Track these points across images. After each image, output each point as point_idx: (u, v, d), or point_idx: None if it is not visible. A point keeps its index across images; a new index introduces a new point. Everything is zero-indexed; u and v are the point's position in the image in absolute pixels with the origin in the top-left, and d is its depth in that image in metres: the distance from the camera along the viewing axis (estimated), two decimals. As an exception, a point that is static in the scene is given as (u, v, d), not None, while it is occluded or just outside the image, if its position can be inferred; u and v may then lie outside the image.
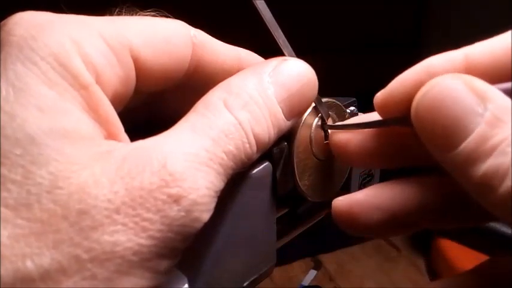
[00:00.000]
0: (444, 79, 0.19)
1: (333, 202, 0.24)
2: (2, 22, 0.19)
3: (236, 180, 0.21)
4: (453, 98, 0.19)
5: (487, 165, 0.18)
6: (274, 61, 0.23)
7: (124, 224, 0.17)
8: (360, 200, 0.24)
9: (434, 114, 0.19)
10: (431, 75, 0.20)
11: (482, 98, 0.19)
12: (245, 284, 0.24)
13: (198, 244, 0.19)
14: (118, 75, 0.20)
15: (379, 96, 0.23)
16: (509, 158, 0.17)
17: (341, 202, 0.24)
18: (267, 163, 0.24)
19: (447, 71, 0.20)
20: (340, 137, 0.25)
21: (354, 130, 0.25)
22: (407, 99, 0.21)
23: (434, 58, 0.22)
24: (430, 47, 1.43)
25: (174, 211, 0.17)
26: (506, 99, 0.19)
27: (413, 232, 0.25)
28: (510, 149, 0.18)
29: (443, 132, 0.19)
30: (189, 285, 0.20)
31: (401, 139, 0.23)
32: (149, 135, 0.19)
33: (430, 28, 1.45)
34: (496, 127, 0.18)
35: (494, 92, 0.19)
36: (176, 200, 0.17)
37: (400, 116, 0.22)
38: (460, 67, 0.21)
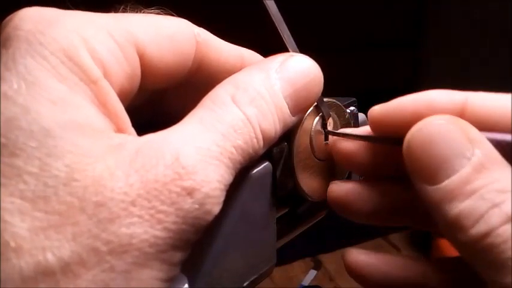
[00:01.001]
0: (441, 119, 0.21)
1: (329, 185, 0.26)
2: (8, 17, 0.19)
3: (236, 180, 0.21)
4: (445, 137, 0.20)
5: (463, 206, 0.19)
6: (281, 57, 0.24)
7: (140, 216, 0.17)
8: (354, 190, 0.25)
9: (425, 149, 0.20)
10: (430, 109, 0.22)
11: (473, 143, 0.20)
12: (245, 284, 0.24)
13: (198, 244, 0.19)
14: (125, 71, 0.21)
15: (375, 111, 0.24)
16: (487, 205, 0.18)
17: (337, 187, 0.26)
18: (267, 163, 0.24)
19: (446, 109, 0.22)
20: (342, 145, 0.26)
21: (353, 140, 0.26)
22: (401, 124, 0.22)
23: (436, 93, 0.23)
24: (430, 47, 1.43)
25: (188, 204, 0.18)
26: (494, 149, 0.20)
27: (407, 226, 0.26)
28: (489, 196, 0.19)
29: (430, 166, 0.20)
30: (189, 285, 0.20)
31: (398, 155, 0.24)
32: (151, 132, 0.19)
33: (430, 28, 1.45)
34: (480, 173, 0.19)
35: (484, 140, 0.20)
36: (190, 192, 0.18)
37: (395, 138, 0.23)
38: (458, 108, 0.22)
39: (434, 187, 0.20)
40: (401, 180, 0.24)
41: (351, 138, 0.26)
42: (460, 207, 0.19)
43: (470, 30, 1.28)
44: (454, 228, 0.19)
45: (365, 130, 0.26)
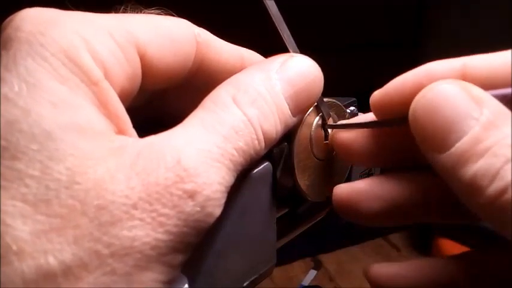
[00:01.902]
0: (443, 83, 0.20)
1: (334, 189, 0.25)
2: (8, 18, 0.19)
3: (236, 180, 0.21)
4: (450, 101, 0.20)
5: (477, 166, 0.18)
6: (281, 57, 0.24)
7: (142, 219, 0.17)
8: (362, 189, 0.24)
9: (431, 115, 0.20)
10: (430, 79, 0.21)
11: (478, 103, 0.19)
12: (245, 284, 0.24)
13: (198, 244, 0.19)
14: (125, 71, 0.21)
15: (376, 95, 0.24)
16: (501, 160, 0.18)
17: (342, 189, 0.25)
18: (267, 163, 0.24)
19: (446, 77, 0.21)
20: (343, 136, 0.25)
21: (355, 129, 0.25)
22: (404, 101, 0.22)
23: (433, 63, 0.23)
24: (430, 47, 1.43)
25: (189, 206, 0.18)
26: (501, 105, 0.19)
27: (414, 223, 0.26)
28: (502, 152, 0.18)
29: (438, 133, 0.20)
30: (189, 285, 0.20)
31: (402, 139, 0.23)
32: (151, 133, 0.19)
33: (430, 28, 1.45)
34: (490, 130, 0.19)
35: (489, 98, 0.20)
36: (191, 195, 0.18)
37: (399, 117, 0.22)
38: (458, 74, 0.22)
39: (446, 153, 0.19)
40: (405, 171, 0.24)
41: (353, 128, 0.25)
42: (474, 168, 0.18)
43: (471, 30, 1.28)
44: (471, 191, 0.19)
45: (365, 118, 0.26)
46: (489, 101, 0.19)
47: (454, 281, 0.23)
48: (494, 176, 0.18)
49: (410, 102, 0.21)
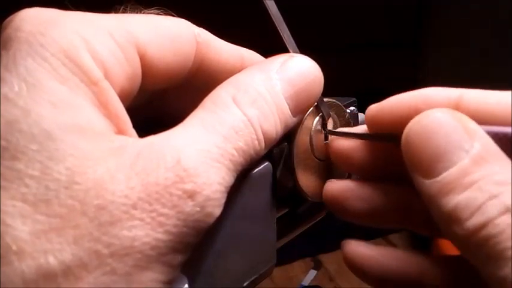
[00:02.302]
0: (439, 111, 0.21)
1: (326, 183, 0.26)
2: (8, 19, 0.19)
3: (236, 180, 0.21)
4: (444, 130, 0.20)
5: (461, 198, 0.19)
6: (281, 58, 0.24)
7: (141, 219, 0.17)
8: (350, 188, 0.25)
9: (423, 141, 0.20)
10: (426, 104, 0.22)
11: (471, 135, 0.20)
12: (245, 284, 0.24)
13: (198, 244, 0.19)
14: (125, 71, 0.21)
15: (372, 110, 0.25)
16: (485, 196, 0.18)
17: (333, 185, 0.25)
18: (267, 163, 0.24)
19: (441, 104, 0.22)
20: (340, 144, 0.26)
21: (352, 139, 0.26)
22: (399, 121, 0.22)
23: (431, 89, 0.23)
24: (430, 47, 1.43)
25: (189, 206, 0.18)
26: (493, 143, 0.20)
27: (402, 228, 0.26)
28: (488, 187, 0.18)
29: (428, 159, 0.20)
30: (189, 285, 0.20)
31: (392, 154, 0.24)
32: (151, 133, 0.19)
33: (430, 28, 1.45)
34: (479, 165, 0.19)
35: (482, 133, 0.20)
36: (191, 195, 0.18)
37: (390, 134, 0.23)
38: (453, 103, 0.22)
39: (432, 180, 0.20)
40: (399, 180, 0.24)
41: (350, 137, 0.26)
42: (457, 199, 0.19)
43: (471, 30, 1.28)
44: (450, 221, 0.19)
45: (364, 128, 0.26)
46: (481, 136, 0.20)
47: (428, 280, 0.23)
48: (476, 210, 0.18)
49: (404, 124, 0.21)
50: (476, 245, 0.18)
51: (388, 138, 0.24)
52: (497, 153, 0.19)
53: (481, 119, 0.21)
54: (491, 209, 0.18)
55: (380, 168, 0.25)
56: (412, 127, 0.21)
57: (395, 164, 0.23)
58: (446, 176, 0.19)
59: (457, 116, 0.20)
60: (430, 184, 0.20)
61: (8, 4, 0.26)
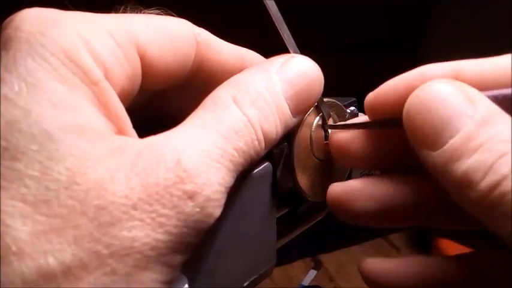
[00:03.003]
0: (437, 82, 0.20)
1: (329, 187, 0.25)
2: (8, 19, 0.19)
3: (236, 181, 0.21)
4: (444, 99, 0.20)
5: (470, 161, 0.18)
6: (281, 58, 0.24)
7: (141, 220, 0.17)
8: (355, 188, 0.24)
9: (424, 113, 0.20)
10: (424, 81, 0.21)
11: (472, 101, 0.19)
12: (245, 284, 0.24)
13: (198, 244, 0.19)
14: (125, 72, 0.21)
15: (371, 96, 0.24)
16: (495, 155, 0.18)
17: (337, 188, 0.25)
18: (267, 163, 0.24)
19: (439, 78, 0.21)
20: (339, 138, 0.25)
21: (353, 131, 0.25)
22: (398, 103, 0.22)
23: (426, 66, 0.23)
24: (430, 47, 1.43)
25: (189, 207, 0.18)
26: (494, 105, 0.20)
27: (409, 226, 0.26)
28: (496, 147, 0.18)
29: (432, 131, 0.20)
30: (189, 285, 0.20)
31: (397, 142, 0.23)
32: (151, 133, 0.19)
33: (430, 28, 1.45)
34: (484, 127, 0.19)
35: (483, 97, 0.20)
36: (191, 196, 0.18)
37: (392, 118, 0.22)
38: (451, 77, 0.22)
39: (439, 151, 0.19)
40: (404, 170, 0.24)
41: (351, 128, 0.25)
42: (467, 163, 0.18)
43: (471, 30, 1.28)
44: (462, 186, 0.19)
45: (364, 119, 0.26)
46: (483, 100, 0.20)
47: (450, 281, 0.23)
48: (488, 170, 0.18)
49: (402, 104, 0.21)
50: (491, 206, 0.18)
51: (389, 123, 0.23)
52: (501, 113, 0.19)
53: (480, 87, 0.21)
54: (503, 166, 0.18)
55: (383, 158, 0.25)
56: (412, 101, 0.20)
57: (399, 151, 0.23)
58: (452, 143, 0.19)
59: (456, 84, 0.20)
60: (437, 155, 0.19)
61: (8, 4, 0.26)
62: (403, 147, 0.22)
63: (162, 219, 0.17)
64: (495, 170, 0.18)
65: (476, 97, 0.20)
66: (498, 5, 1.19)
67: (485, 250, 0.23)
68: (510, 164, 0.18)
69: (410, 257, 0.24)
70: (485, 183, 0.18)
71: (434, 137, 0.20)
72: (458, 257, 0.24)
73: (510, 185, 0.17)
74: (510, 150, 0.18)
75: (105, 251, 0.16)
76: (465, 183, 0.19)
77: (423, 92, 0.20)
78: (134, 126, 0.20)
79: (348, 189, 0.24)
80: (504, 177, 0.18)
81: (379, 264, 0.24)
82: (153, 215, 0.17)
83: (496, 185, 0.18)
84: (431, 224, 0.25)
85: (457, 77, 0.22)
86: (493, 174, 0.18)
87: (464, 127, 0.19)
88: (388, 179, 0.24)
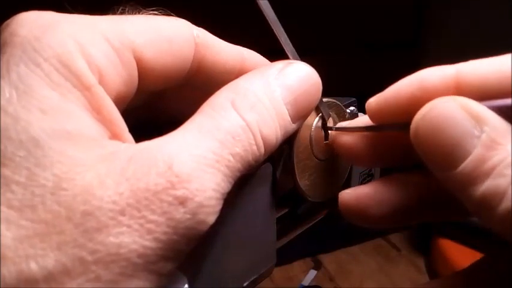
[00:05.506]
0: (441, 102, 0.20)
1: (339, 195, 0.25)
2: (6, 22, 0.19)
3: (236, 181, 0.21)
4: (450, 121, 0.20)
5: (485, 187, 0.19)
6: (280, 64, 0.24)
7: (129, 226, 0.16)
8: (368, 194, 0.24)
9: (433, 137, 0.20)
10: (424, 89, 0.22)
11: (478, 120, 0.19)
12: (245, 284, 0.24)
13: (198, 244, 0.19)
14: (121, 75, 0.20)
15: (372, 103, 0.24)
16: (508, 180, 0.18)
17: (348, 195, 0.25)
18: (267, 163, 0.24)
19: (439, 86, 0.22)
20: (344, 138, 0.26)
21: (355, 132, 0.25)
22: (400, 110, 0.23)
23: (426, 71, 0.23)
24: (430, 47, 1.43)
25: (179, 213, 0.17)
26: (502, 121, 0.20)
27: (417, 223, 0.26)
28: (508, 171, 0.18)
29: (443, 153, 0.20)
30: (189, 285, 0.20)
31: (401, 141, 0.23)
32: (150, 135, 0.19)
33: (430, 28, 1.45)
34: (493, 149, 0.19)
35: (488, 113, 0.20)
36: (182, 202, 0.17)
37: (400, 123, 0.23)
38: (451, 82, 0.22)
39: (453, 173, 0.20)
40: (405, 172, 0.24)
41: (353, 131, 0.26)
42: (482, 188, 0.19)
43: (471, 30, 1.28)
44: (482, 210, 0.19)
45: (364, 121, 0.26)
46: (489, 117, 0.20)
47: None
48: (502, 196, 0.18)
49: (406, 110, 0.21)
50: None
51: (394, 128, 0.24)
52: (508, 131, 0.19)
53: (482, 90, 0.21)
54: None
55: (388, 156, 0.25)
56: (419, 124, 0.21)
57: (402, 151, 0.23)
58: (465, 166, 0.19)
59: (461, 103, 0.20)
60: (452, 176, 0.20)
61: (8, 5, 0.26)
62: (407, 146, 0.22)
63: (151, 226, 0.17)
64: (509, 196, 0.18)
65: (480, 114, 0.20)
66: (498, 5, 1.19)
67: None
68: None
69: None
70: (502, 208, 0.18)
71: (446, 160, 0.20)
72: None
73: None
74: None
75: (89, 258, 0.16)
76: (484, 206, 0.19)
77: (429, 114, 0.20)
78: (132, 128, 0.20)
79: (360, 196, 0.24)
80: None
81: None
82: (142, 221, 0.17)
83: None
84: (441, 218, 0.25)
85: (458, 81, 0.22)
86: (508, 201, 0.18)
87: (473, 149, 0.19)
88: (395, 181, 0.24)
